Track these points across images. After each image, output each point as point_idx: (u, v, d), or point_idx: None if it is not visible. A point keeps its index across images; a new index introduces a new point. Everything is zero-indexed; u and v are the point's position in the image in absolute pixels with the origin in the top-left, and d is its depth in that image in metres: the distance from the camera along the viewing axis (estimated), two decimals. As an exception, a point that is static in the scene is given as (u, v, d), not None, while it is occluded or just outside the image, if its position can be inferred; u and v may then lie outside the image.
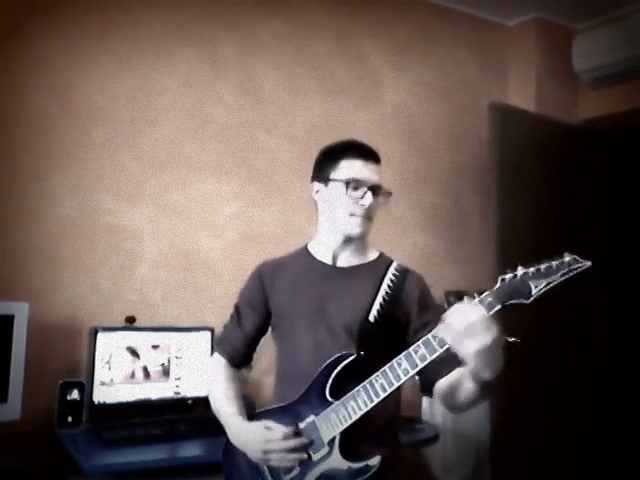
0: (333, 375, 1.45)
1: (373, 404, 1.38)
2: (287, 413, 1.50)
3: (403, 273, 1.58)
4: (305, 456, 1.44)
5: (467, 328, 1.19)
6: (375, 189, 1.55)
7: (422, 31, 3.33)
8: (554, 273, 1.20)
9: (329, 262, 1.61)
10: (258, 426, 1.48)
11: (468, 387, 1.32)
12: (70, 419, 2.24)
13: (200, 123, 2.74)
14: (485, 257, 3.06)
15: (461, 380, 1.34)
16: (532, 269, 1.22)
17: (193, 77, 2.73)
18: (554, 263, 1.21)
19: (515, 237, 3.04)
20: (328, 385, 1.45)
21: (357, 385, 1.39)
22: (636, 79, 3.22)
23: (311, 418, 1.45)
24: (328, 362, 1.46)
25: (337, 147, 1.62)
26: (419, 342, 1.32)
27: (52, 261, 2.42)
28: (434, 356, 1.30)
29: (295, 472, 1.46)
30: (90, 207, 2.50)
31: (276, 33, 2.92)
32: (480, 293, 1.24)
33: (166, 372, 2.45)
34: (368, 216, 1.55)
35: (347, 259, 1.61)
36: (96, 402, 2.30)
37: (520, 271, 1.22)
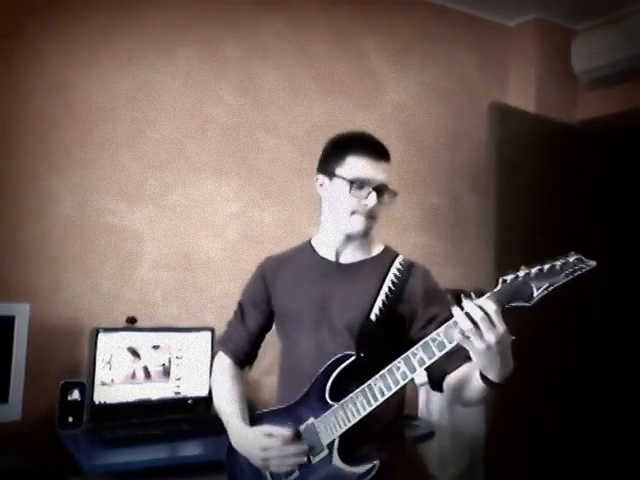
0: (332, 377, 1.43)
1: (371, 408, 1.36)
2: (288, 415, 1.49)
3: (408, 268, 1.53)
4: (305, 460, 1.43)
5: (475, 326, 1.16)
6: (380, 189, 1.51)
7: (422, 31, 3.32)
8: (557, 274, 1.16)
9: (332, 258, 1.58)
10: (258, 432, 1.47)
11: (477, 385, 1.30)
12: (71, 419, 2.24)
13: (200, 123, 2.74)
14: (484, 257, 3.07)
15: (469, 378, 1.32)
16: (534, 270, 1.17)
17: (193, 77, 2.73)
18: (558, 263, 1.16)
19: (514, 236, 3.04)
20: (328, 387, 1.43)
21: (358, 386, 1.38)
22: (634, 79, 3.22)
23: (311, 420, 1.45)
24: (328, 363, 1.44)
25: (346, 139, 1.57)
26: (418, 345, 1.30)
27: (52, 261, 2.41)
28: (432, 360, 1.28)
29: (295, 475, 1.46)
30: (90, 207, 2.50)
31: (276, 33, 2.92)
32: (478, 292, 1.20)
33: (167, 372, 2.46)
34: (371, 216, 1.51)
35: (350, 255, 1.57)
36: (97, 402, 2.30)
37: (522, 272, 1.18)
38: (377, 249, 1.60)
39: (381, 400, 1.35)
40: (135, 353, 2.39)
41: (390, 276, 1.52)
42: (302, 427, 1.46)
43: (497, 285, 1.20)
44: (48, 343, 2.32)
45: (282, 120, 2.91)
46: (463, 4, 3.37)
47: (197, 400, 2.49)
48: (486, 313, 1.16)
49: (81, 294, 2.45)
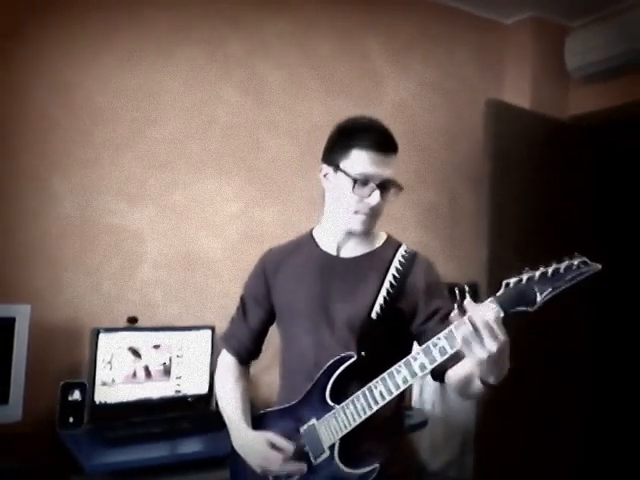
0: (333, 378, 1.43)
1: (372, 411, 1.36)
2: (289, 415, 1.49)
3: (410, 259, 1.50)
4: (304, 470, 1.43)
5: (476, 333, 1.15)
6: (385, 184, 1.46)
7: (423, 31, 3.33)
8: (561, 278, 1.14)
9: (333, 252, 1.55)
10: (262, 438, 1.47)
11: (477, 386, 1.30)
12: (72, 420, 2.24)
13: (201, 123, 2.73)
14: (479, 252, 3.06)
15: (470, 379, 1.32)
16: (538, 273, 1.15)
17: (194, 77, 2.72)
18: (562, 266, 1.14)
19: (509, 231, 3.05)
20: (328, 388, 1.43)
21: (359, 386, 1.38)
22: (627, 74, 3.22)
23: (312, 422, 1.44)
24: (329, 364, 1.43)
25: (353, 127, 1.51)
26: (419, 349, 1.30)
27: (53, 262, 2.41)
28: (434, 365, 1.28)
29: (296, 477, 1.46)
30: (91, 207, 2.49)
31: (278, 33, 2.92)
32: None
33: (167, 371, 2.46)
34: (373, 214, 1.48)
35: (352, 249, 1.54)
36: (97, 402, 2.30)
37: (525, 275, 1.16)
38: (379, 241, 1.57)
39: (382, 404, 1.35)
40: (136, 353, 2.40)
41: (392, 270, 1.48)
42: (303, 428, 1.46)
43: (501, 289, 1.19)
44: (48, 343, 2.32)
45: (283, 120, 2.91)
46: (462, 2, 3.38)
47: (197, 398, 2.50)
48: (488, 321, 1.15)
49: (82, 294, 2.45)
